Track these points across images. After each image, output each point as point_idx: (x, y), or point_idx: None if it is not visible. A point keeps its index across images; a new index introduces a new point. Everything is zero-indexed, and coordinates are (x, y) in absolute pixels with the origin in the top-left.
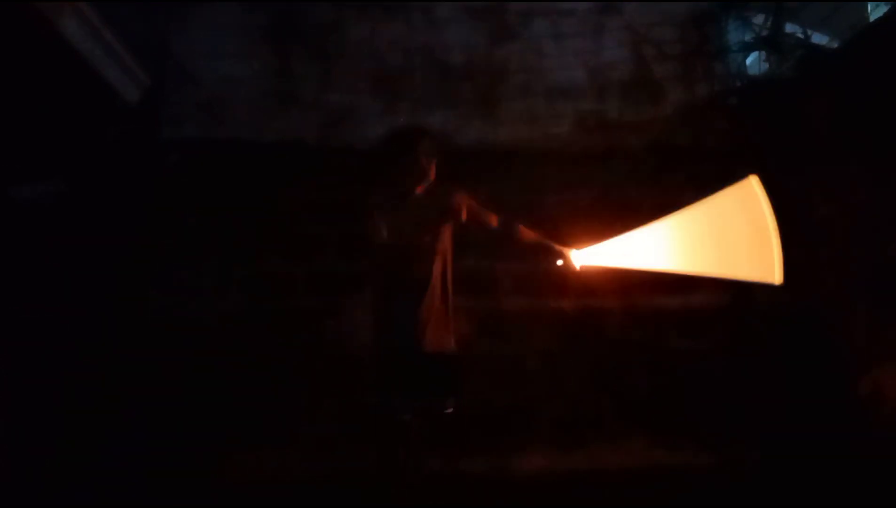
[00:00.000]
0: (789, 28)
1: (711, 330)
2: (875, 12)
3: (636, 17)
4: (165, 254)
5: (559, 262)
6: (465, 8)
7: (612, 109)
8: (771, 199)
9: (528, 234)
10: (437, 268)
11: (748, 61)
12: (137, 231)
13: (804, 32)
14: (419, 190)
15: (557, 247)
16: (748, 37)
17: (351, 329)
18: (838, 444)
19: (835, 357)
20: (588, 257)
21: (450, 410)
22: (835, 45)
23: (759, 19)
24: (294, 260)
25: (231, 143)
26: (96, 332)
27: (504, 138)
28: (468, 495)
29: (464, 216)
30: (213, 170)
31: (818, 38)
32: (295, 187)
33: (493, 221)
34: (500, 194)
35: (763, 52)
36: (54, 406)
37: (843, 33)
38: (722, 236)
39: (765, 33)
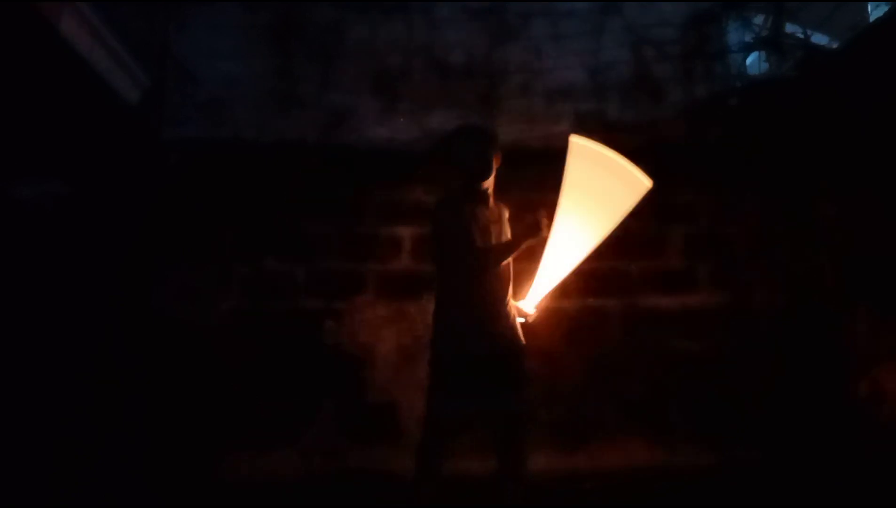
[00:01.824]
0: (789, 28)
1: (711, 330)
2: (875, 12)
3: (636, 17)
4: (166, 254)
5: (520, 320)
6: (465, 8)
7: (612, 109)
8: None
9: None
10: (502, 270)
11: (748, 62)
12: (138, 232)
13: (804, 33)
14: (489, 190)
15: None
16: (748, 37)
17: (351, 329)
18: (838, 444)
19: (835, 357)
20: (533, 299)
21: (517, 410)
22: (835, 45)
23: (759, 20)
24: (294, 260)
25: (232, 143)
26: (96, 332)
27: (504, 138)
28: (468, 495)
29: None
30: (213, 170)
31: (818, 39)
32: (295, 187)
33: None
34: (499, 194)
35: (763, 53)
36: (54, 406)
37: (843, 33)
38: (595, 195)
39: (765, 34)
